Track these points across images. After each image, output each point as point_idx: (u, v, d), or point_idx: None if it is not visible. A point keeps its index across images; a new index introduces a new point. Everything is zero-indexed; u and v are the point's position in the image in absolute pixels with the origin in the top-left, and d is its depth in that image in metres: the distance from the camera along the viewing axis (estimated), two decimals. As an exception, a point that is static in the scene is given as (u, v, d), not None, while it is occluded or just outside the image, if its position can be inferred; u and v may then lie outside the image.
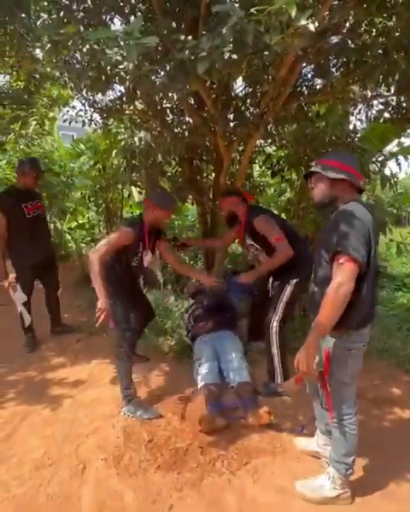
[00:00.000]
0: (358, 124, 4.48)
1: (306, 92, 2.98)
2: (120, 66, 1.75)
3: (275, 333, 2.67)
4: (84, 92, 3.23)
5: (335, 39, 3.04)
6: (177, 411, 2.53)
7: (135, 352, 2.97)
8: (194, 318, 3.48)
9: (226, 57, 1.71)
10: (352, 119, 4.24)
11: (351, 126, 3.87)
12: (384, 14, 2.55)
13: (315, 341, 1.53)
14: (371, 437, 2.28)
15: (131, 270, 2.60)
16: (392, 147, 4.16)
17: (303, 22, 1.51)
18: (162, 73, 2.01)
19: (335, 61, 2.97)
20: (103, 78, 1.84)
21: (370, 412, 2.56)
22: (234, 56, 1.72)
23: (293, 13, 1.48)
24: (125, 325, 2.53)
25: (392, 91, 2.62)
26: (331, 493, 1.77)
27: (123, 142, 3.72)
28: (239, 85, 3.76)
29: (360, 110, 4.12)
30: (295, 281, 2.60)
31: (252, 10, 1.61)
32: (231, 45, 1.75)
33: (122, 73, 1.91)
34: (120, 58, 1.74)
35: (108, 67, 1.79)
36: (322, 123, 3.83)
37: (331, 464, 1.80)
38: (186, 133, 3.04)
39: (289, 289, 2.62)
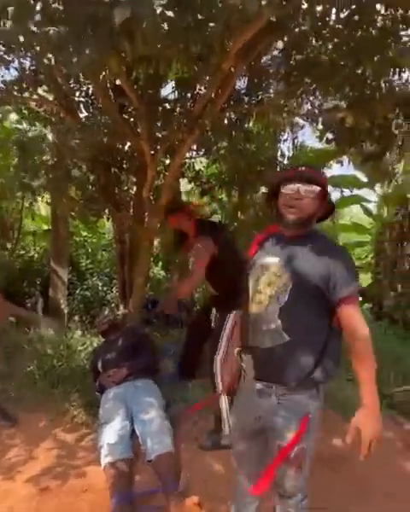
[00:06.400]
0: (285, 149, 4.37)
1: (246, 99, 2.63)
2: None
3: (219, 368, 2.30)
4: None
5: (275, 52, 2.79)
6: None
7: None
8: (104, 363, 2.76)
9: (158, 11, 1.19)
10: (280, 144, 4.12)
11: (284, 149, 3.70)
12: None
13: (377, 402, 1.21)
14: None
15: None
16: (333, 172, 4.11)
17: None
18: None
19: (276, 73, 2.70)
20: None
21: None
22: (169, 13, 1.22)
23: None
24: None
25: (343, 106, 2.39)
26: None
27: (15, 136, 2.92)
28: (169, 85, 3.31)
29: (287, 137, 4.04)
30: (235, 312, 2.28)
31: None
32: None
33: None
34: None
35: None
36: (256, 143, 3.58)
37: None
38: (101, 132, 2.43)
39: (231, 321, 2.31)
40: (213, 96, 2.29)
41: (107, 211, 2.86)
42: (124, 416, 2.30)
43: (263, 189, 3.63)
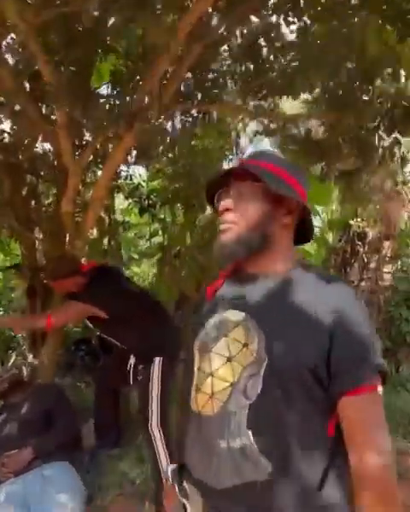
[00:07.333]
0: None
1: (199, 96, 2.17)
2: None
3: (160, 439, 1.98)
4: None
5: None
6: None
7: None
8: (0, 441, 1.96)
9: None
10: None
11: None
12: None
13: None
14: None
15: None
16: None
17: None
18: None
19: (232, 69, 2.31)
20: None
21: None
22: None
23: None
24: None
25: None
26: None
27: None
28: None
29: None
30: (158, 359, 2.12)
31: None
32: None
33: None
34: None
35: None
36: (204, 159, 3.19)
37: None
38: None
39: (156, 372, 2.09)
40: (159, 86, 1.79)
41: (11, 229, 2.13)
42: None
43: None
